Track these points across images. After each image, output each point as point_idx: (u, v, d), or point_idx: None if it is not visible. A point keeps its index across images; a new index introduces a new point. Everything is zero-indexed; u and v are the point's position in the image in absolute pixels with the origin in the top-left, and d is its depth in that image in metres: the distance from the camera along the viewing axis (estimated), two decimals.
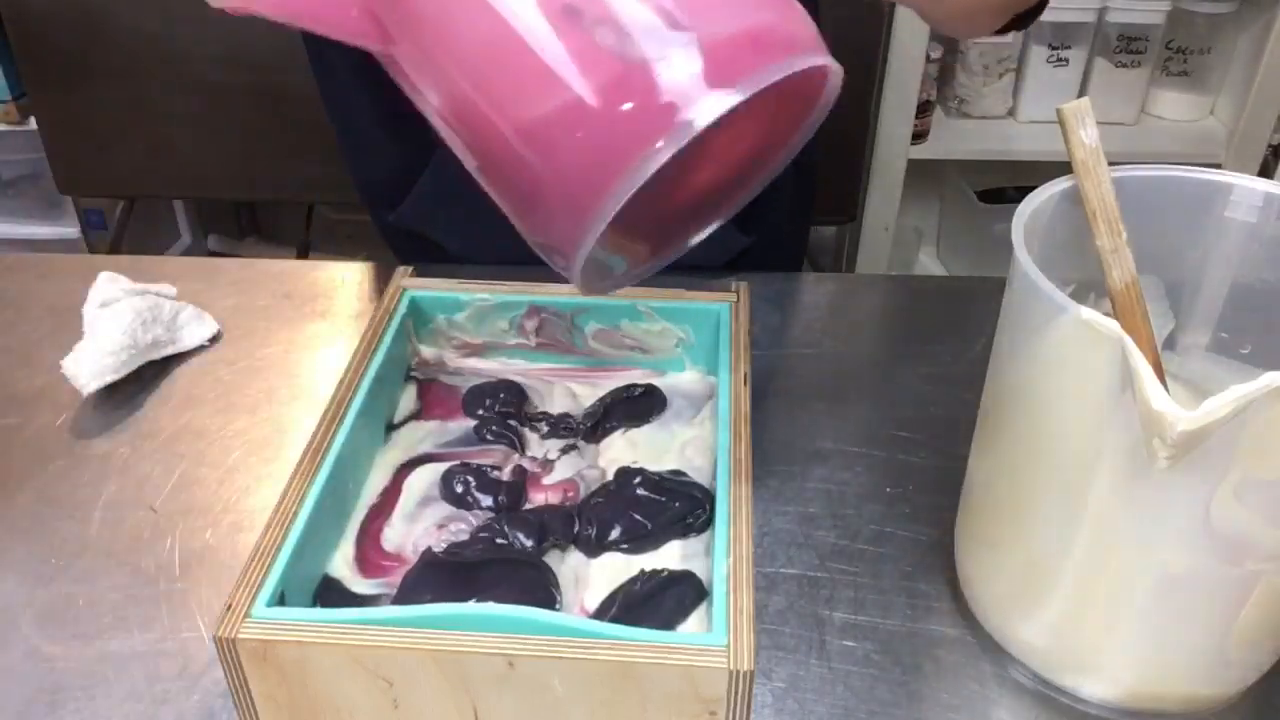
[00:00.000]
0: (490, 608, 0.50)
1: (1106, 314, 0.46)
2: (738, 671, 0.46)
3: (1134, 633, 0.53)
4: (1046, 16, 1.94)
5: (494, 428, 0.66)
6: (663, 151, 0.37)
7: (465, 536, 0.58)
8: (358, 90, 0.90)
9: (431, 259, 0.94)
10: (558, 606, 0.55)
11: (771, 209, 0.86)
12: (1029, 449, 0.53)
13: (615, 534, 0.58)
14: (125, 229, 1.70)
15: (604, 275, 0.49)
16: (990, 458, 0.57)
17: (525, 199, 0.42)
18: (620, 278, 0.51)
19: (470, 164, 0.44)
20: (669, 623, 0.53)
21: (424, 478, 0.62)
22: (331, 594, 0.55)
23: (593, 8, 0.39)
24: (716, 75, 0.38)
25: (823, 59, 0.41)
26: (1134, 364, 0.43)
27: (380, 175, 0.98)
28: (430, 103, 0.44)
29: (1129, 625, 0.52)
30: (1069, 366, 0.49)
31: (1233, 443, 0.44)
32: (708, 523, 0.59)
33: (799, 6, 0.44)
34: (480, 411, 0.67)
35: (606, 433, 0.66)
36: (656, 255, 0.52)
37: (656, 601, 0.54)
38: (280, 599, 0.50)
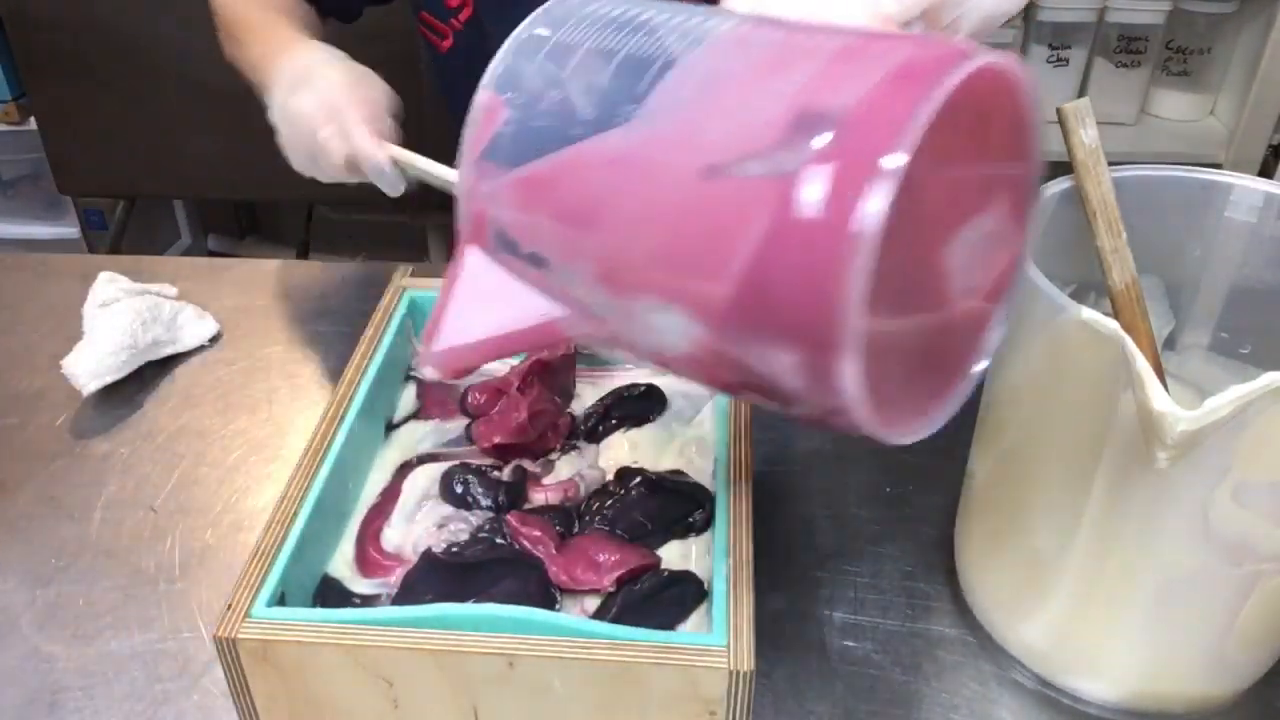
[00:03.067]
0: (490, 608, 0.50)
1: (1106, 314, 0.46)
2: (738, 671, 0.46)
3: (1134, 633, 0.53)
4: (1046, 16, 1.92)
5: None
6: (860, 251, 0.34)
7: (465, 536, 0.58)
8: None
9: None
10: (558, 607, 0.55)
11: None
12: (1029, 449, 0.53)
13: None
14: (125, 229, 1.70)
15: (909, 421, 0.43)
16: (990, 457, 0.57)
17: (777, 372, 0.39)
18: (930, 418, 0.44)
19: (718, 382, 0.43)
20: (669, 623, 0.53)
21: (424, 478, 0.62)
22: (331, 594, 0.55)
23: (727, 154, 0.37)
24: (873, 147, 0.34)
25: (976, 62, 0.37)
26: (1134, 364, 0.43)
27: None
28: (660, 352, 0.43)
29: (1129, 625, 0.52)
30: (1069, 366, 0.49)
31: (1232, 443, 0.44)
32: (708, 523, 0.58)
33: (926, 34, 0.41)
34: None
35: (606, 433, 0.66)
36: (954, 381, 0.46)
37: (656, 601, 0.54)
38: (280, 599, 0.50)
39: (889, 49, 0.38)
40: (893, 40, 0.39)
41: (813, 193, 0.35)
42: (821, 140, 0.35)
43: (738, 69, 0.40)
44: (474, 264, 0.46)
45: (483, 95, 0.45)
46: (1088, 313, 0.45)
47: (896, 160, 0.34)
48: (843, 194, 0.34)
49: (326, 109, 0.65)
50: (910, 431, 0.42)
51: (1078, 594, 0.53)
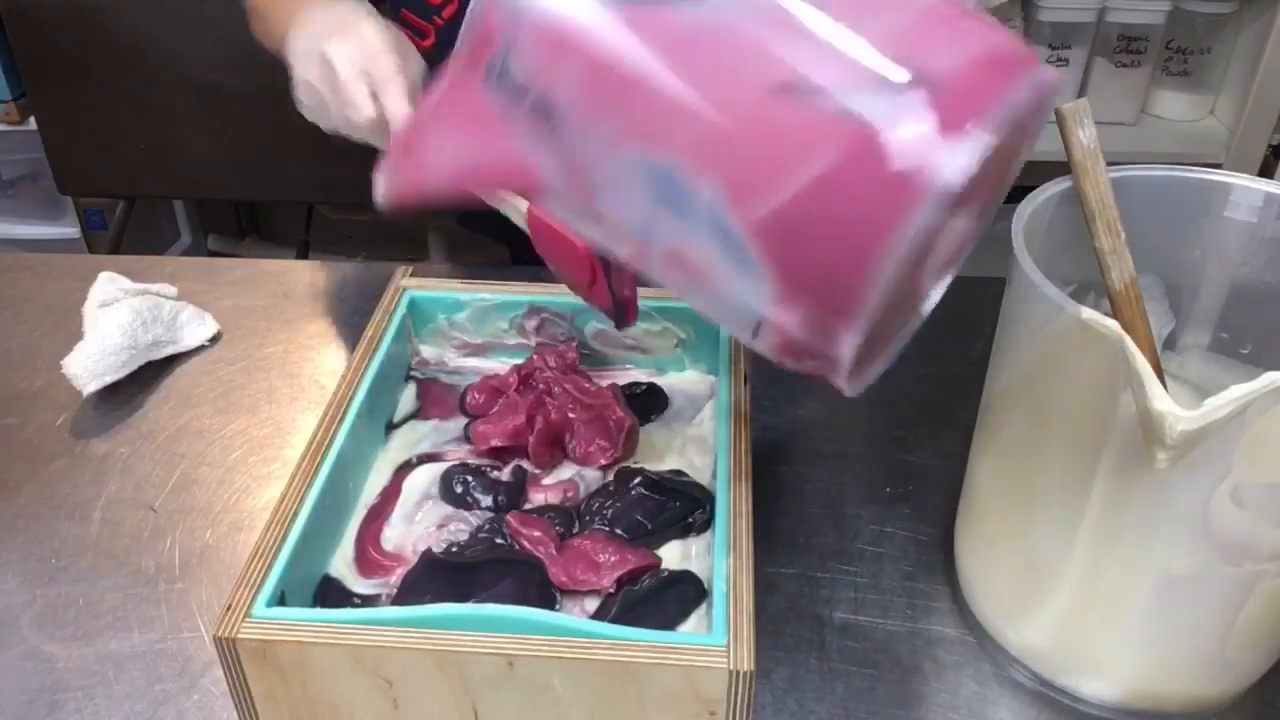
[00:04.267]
0: (490, 608, 0.50)
1: (1106, 314, 0.46)
2: (738, 671, 0.46)
3: (1134, 633, 0.53)
4: (1046, 16, 1.92)
5: None
6: (922, 216, 0.35)
7: (465, 536, 0.58)
8: None
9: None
10: (558, 607, 0.55)
11: None
12: (1029, 449, 0.53)
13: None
14: (125, 229, 1.69)
15: (861, 374, 0.44)
16: (990, 457, 0.57)
17: (767, 297, 0.39)
18: (878, 362, 0.45)
19: (675, 279, 0.41)
20: (669, 623, 0.53)
21: (424, 478, 0.62)
22: (331, 594, 0.55)
23: (805, 79, 0.35)
24: (959, 115, 0.35)
25: (1048, 71, 0.38)
26: (1134, 364, 0.43)
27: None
28: (617, 225, 0.40)
29: (1129, 625, 0.52)
30: (1069, 366, 0.49)
31: (1232, 443, 0.44)
32: (708, 523, 0.59)
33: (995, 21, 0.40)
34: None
35: None
36: (901, 325, 0.47)
37: (656, 601, 0.54)
38: (280, 599, 0.50)
39: (976, 28, 0.38)
40: (975, 20, 0.39)
41: (895, 145, 0.34)
42: (915, 97, 0.35)
43: None
44: (458, 86, 0.42)
45: None
46: (1088, 313, 0.45)
47: (982, 136, 0.34)
48: (924, 153, 0.34)
49: (364, 62, 0.63)
50: (857, 385, 0.43)
51: (1077, 594, 0.53)
